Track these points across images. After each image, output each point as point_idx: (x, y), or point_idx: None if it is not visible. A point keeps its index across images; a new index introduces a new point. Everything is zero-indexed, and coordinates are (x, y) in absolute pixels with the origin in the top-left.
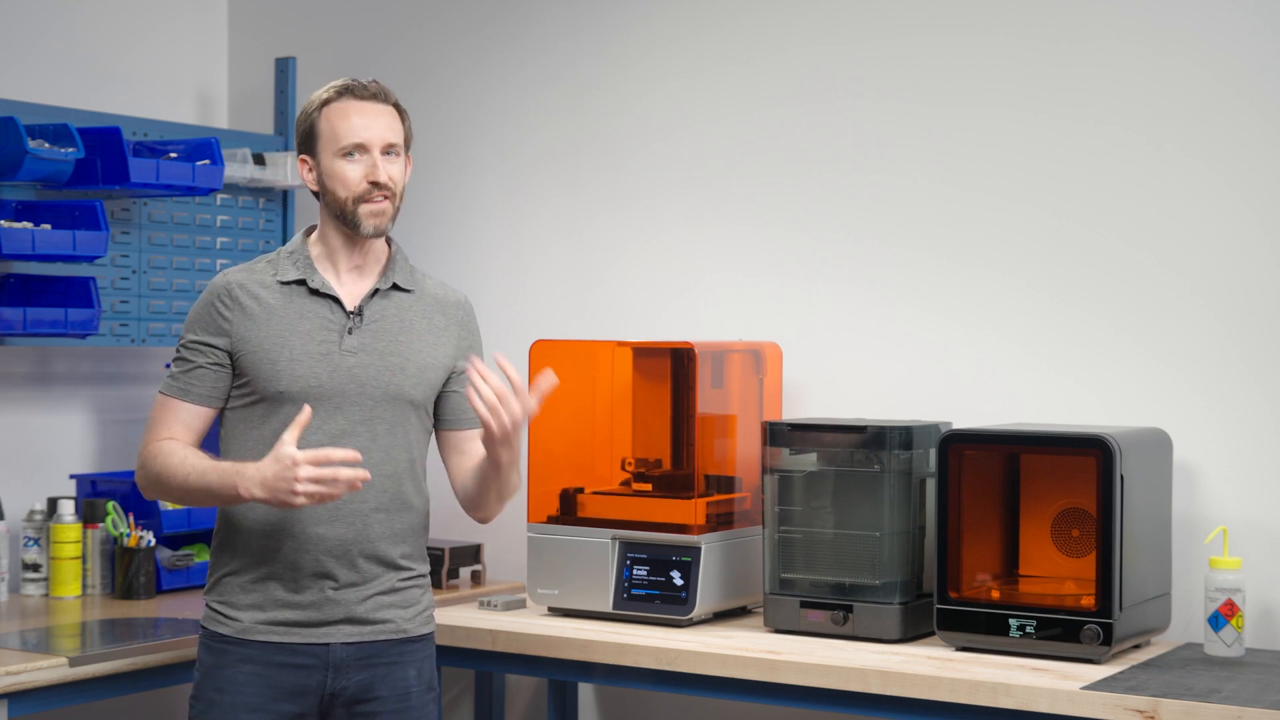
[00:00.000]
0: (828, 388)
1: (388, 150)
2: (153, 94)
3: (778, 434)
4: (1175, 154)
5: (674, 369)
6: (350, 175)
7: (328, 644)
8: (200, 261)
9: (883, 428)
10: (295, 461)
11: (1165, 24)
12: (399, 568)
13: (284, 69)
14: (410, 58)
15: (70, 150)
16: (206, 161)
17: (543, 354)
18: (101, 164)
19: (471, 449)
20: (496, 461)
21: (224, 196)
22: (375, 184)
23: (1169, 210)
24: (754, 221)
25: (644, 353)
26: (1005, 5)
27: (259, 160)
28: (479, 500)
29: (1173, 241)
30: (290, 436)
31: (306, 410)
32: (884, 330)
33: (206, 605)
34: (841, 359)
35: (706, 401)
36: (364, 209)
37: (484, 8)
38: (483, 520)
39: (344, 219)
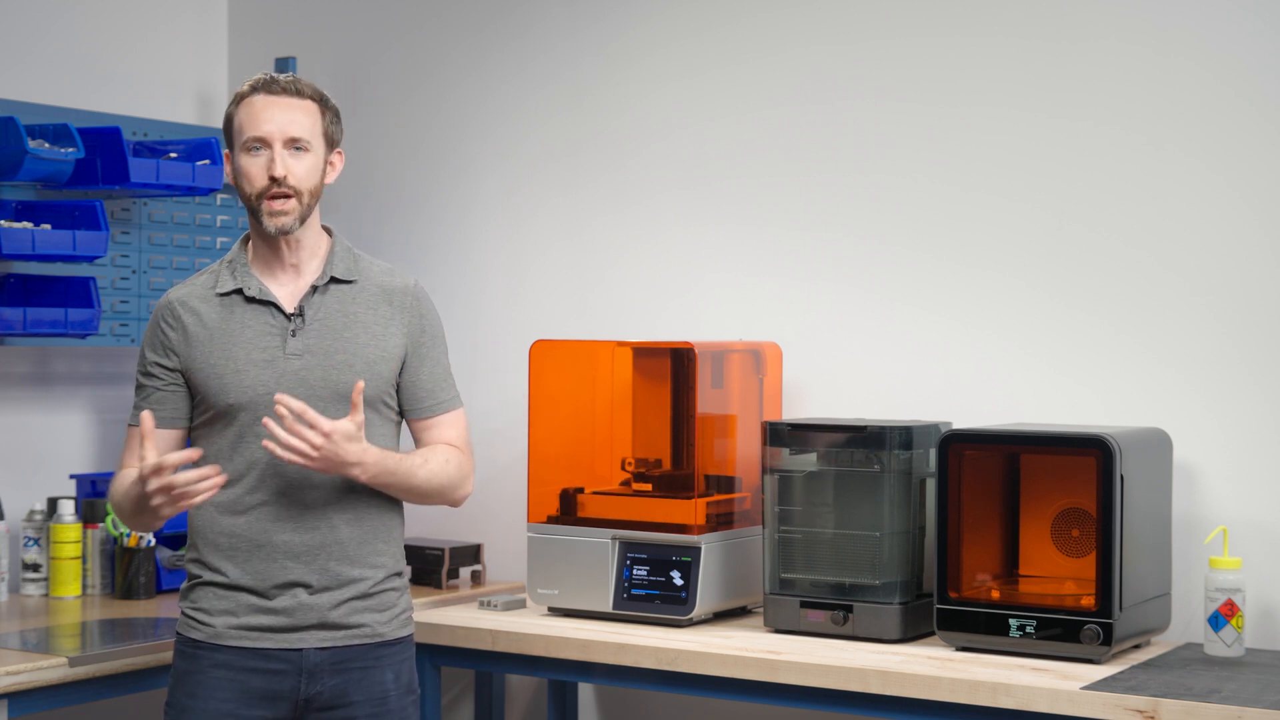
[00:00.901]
0: (828, 388)
1: (292, 145)
2: (153, 94)
3: (778, 434)
4: (1175, 154)
5: (674, 369)
6: (252, 170)
7: (300, 649)
8: (200, 261)
9: (883, 428)
10: (143, 478)
11: (1165, 24)
12: (373, 567)
13: (284, 69)
14: (410, 58)
15: (70, 150)
16: (206, 161)
17: (543, 354)
18: (101, 164)
19: (427, 437)
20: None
21: (224, 196)
22: (273, 179)
23: (1169, 210)
24: (754, 221)
25: (644, 353)
26: (1005, 5)
27: None
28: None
29: (1173, 241)
30: (146, 452)
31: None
32: (884, 330)
33: (181, 611)
34: (841, 359)
35: (706, 401)
36: (265, 207)
37: (484, 8)
38: (449, 505)
39: (254, 215)
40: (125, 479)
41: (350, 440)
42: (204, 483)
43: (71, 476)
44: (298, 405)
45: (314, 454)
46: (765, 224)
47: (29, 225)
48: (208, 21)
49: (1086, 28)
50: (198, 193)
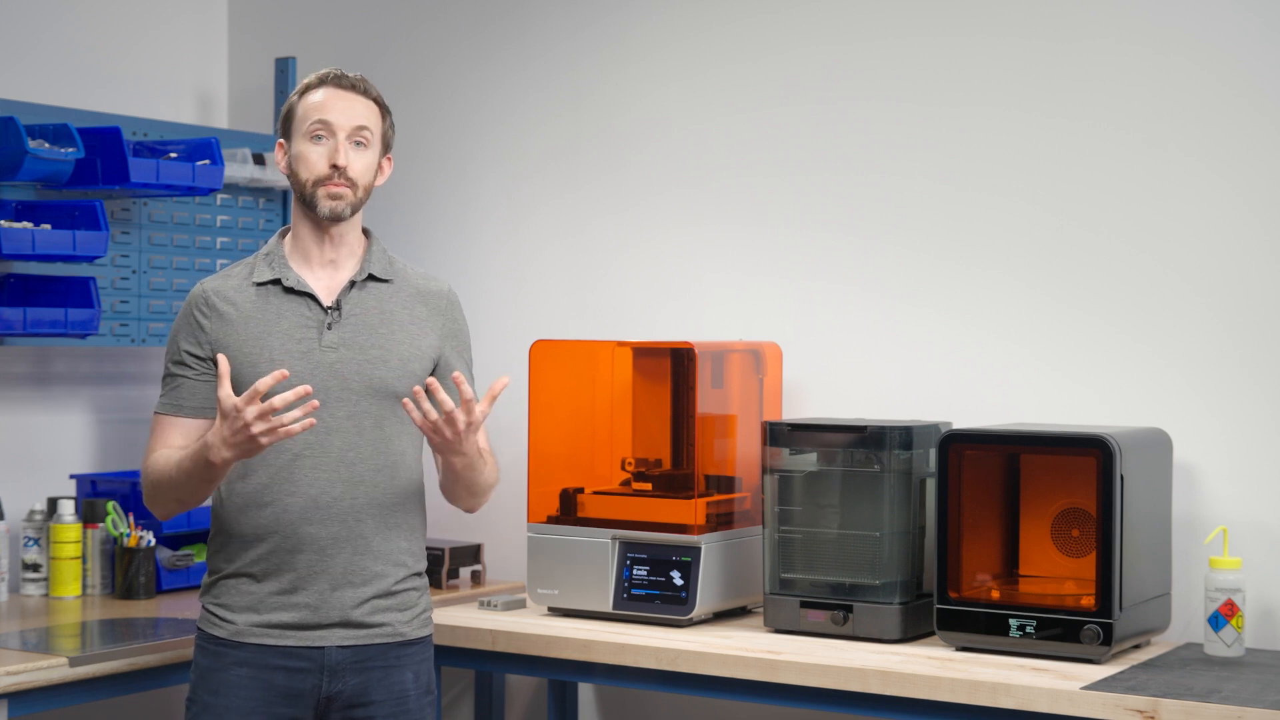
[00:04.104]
0: (828, 388)
1: (356, 137)
2: (153, 94)
3: (778, 434)
4: (1175, 154)
5: (674, 369)
6: (312, 156)
7: (323, 647)
8: (200, 261)
9: (883, 428)
10: (237, 409)
11: (1165, 24)
12: (396, 563)
13: (284, 69)
14: (410, 58)
15: (70, 150)
16: (206, 161)
17: (543, 354)
18: (101, 164)
19: None
20: (449, 465)
21: (224, 196)
22: (335, 167)
23: (1169, 210)
24: (754, 221)
25: (644, 353)
26: (1005, 5)
27: (259, 160)
28: (451, 494)
29: (1173, 241)
30: (224, 391)
31: (277, 374)
32: (884, 330)
33: (202, 607)
34: (841, 359)
35: (706, 401)
36: (321, 191)
37: (484, 8)
38: (467, 510)
39: (305, 201)
40: (167, 456)
41: (467, 439)
42: (302, 404)
43: (71, 476)
44: (470, 395)
45: (451, 441)
46: (765, 224)
47: (29, 225)
48: (208, 21)
49: (1086, 28)
50: (198, 193)
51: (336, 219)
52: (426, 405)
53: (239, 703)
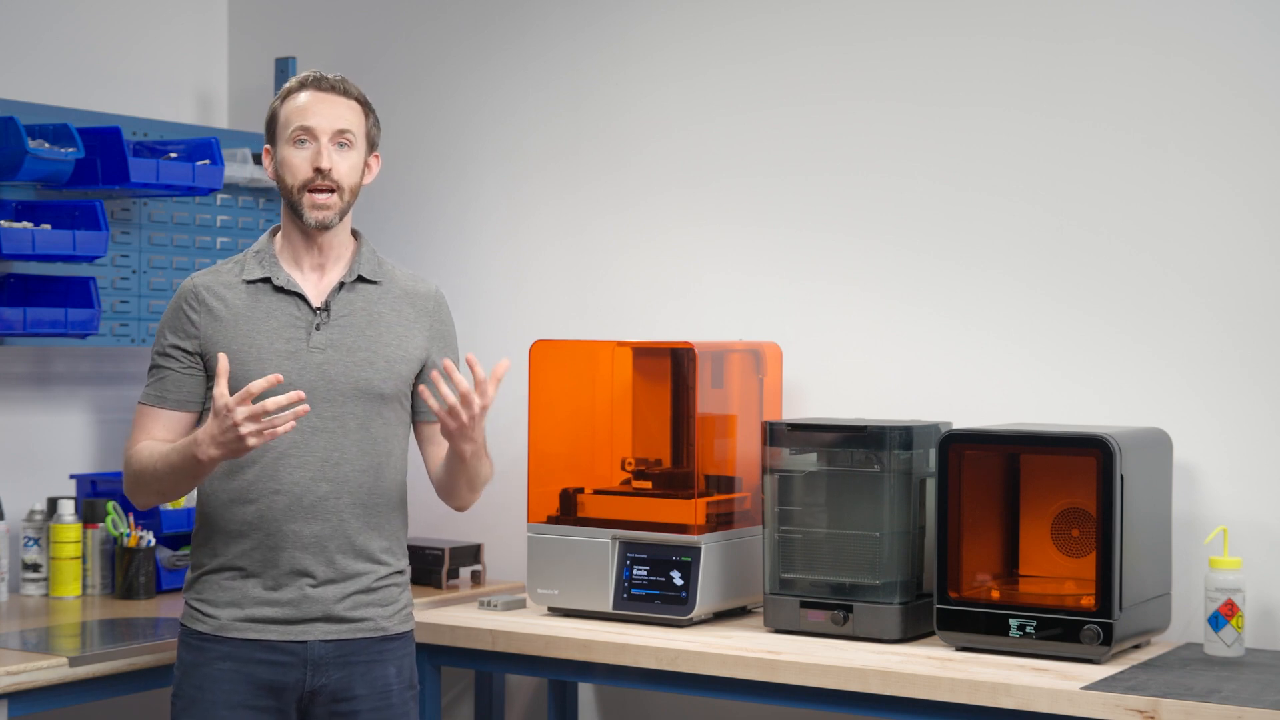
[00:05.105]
0: (828, 388)
1: (339, 139)
2: (153, 94)
3: (778, 434)
4: (1175, 154)
5: (674, 369)
6: (296, 161)
7: (305, 641)
8: (200, 261)
9: (883, 428)
10: (229, 409)
11: (1165, 24)
12: (378, 562)
13: (284, 69)
14: (410, 58)
15: (70, 150)
16: (206, 161)
17: (543, 354)
18: (101, 164)
19: (439, 439)
20: (460, 454)
21: (224, 196)
22: (318, 170)
23: (1169, 210)
24: (754, 221)
25: (644, 353)
26: (1005, 5)
27: (259, 160)
28: (451, 489)
29: (1173, 241)
30: (219, 389)
31: (272, 378)
32: (884, 330)
33: (185, 602)
34: (841, 359)
35: (706, 401)
36: (307, 199)
37: (484, 8)
38: (459, 509)
39: (293, 208)
40: (151, 448)
41: (479, 423)
42: (292, 409)
43: (71, 476)
44: (483, 376)
45: (465, 424)
46: (765, 224)
47: (29, 225)
48: (208, 21)
49: (1086, 28)
50: (198, 193)
51: (324, 228)
52: (444, 389)
53: (223, 696)
